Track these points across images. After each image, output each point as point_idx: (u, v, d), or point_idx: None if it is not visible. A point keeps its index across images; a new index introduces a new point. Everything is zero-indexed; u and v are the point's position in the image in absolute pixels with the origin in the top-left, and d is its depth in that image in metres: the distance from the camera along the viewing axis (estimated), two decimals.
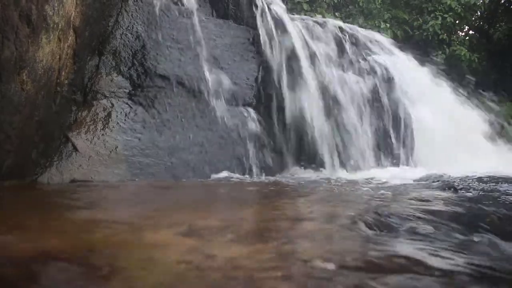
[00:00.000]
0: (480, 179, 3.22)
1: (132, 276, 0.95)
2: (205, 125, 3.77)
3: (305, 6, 8.00)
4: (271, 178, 3.81)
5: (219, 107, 3.92)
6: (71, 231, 1.42)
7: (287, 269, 1.02)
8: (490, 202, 2.21)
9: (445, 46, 9.23)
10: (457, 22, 9.75)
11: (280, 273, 0.98)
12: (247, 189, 3.12)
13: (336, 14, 8.60)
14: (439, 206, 1.99)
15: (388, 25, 8.83)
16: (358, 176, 3.97)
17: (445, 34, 9.26)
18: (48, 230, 1.44)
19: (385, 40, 5.94)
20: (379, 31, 7.63)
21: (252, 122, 4.12)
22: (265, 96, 4.34)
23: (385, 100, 4.97)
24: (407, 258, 1.14)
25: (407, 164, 4.84)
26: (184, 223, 1.54)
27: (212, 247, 1.21)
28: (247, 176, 3.83)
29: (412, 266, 1.09)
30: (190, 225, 1.48)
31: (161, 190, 2.93)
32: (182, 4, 4.06)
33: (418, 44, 8.87)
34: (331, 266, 1.03)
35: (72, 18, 2.99)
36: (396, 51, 5.74)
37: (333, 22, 5.45)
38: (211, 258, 1.06)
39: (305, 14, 6.94)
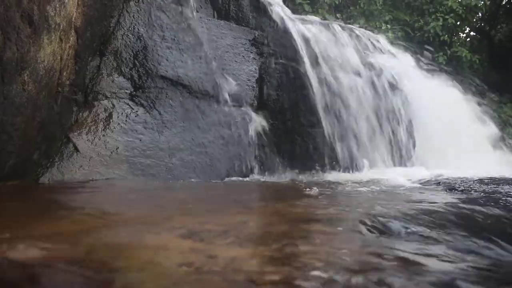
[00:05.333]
0: (481, 181, 3.22)
1: (133, 277, 0.95)
2: (206, 126, 3.78)
3: (307, 8, 8.01)
4: (272, 179, 3.82)
5: (220, 108, 3.92)
6: (71, 233, 1.42)
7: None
8: (491, 203, 2.21)
9: (446, 48, 9.24)
10: (458, 23, 9.76)
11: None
12: (247, 190, 3.12)
13: (338, 15, 8.61)
14: (439, 208, 1.99)
15: (389, 26, 8.84)
16: (358, 177, 3.97)
17: (446, 36, 9.27)
18: (48, 231, 1.44)
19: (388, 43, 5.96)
20: (379, 33, 7.64)
21: (254, 123, 4.12)
22: (266, 97, 4.34)
23: (388, 101, 4.97)
24: (406, 260, 1.14)
25: (408, 165, 4.84)
26: (185, 225, 1.54)
27: (213, 249, 1.21)
28: (249, 177, 3.84)
29: (412, 267, 1.09)
30: (191, 228, 1.48)
31: (162, 191, 2.93)
32: (184, 5, 4.06)
33: (419, 45, 8.87)
34: (331, 268, 1.03)
35: (73, 18, 2.99)
36: (399, 53, 5.76)
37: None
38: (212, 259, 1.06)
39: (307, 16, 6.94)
